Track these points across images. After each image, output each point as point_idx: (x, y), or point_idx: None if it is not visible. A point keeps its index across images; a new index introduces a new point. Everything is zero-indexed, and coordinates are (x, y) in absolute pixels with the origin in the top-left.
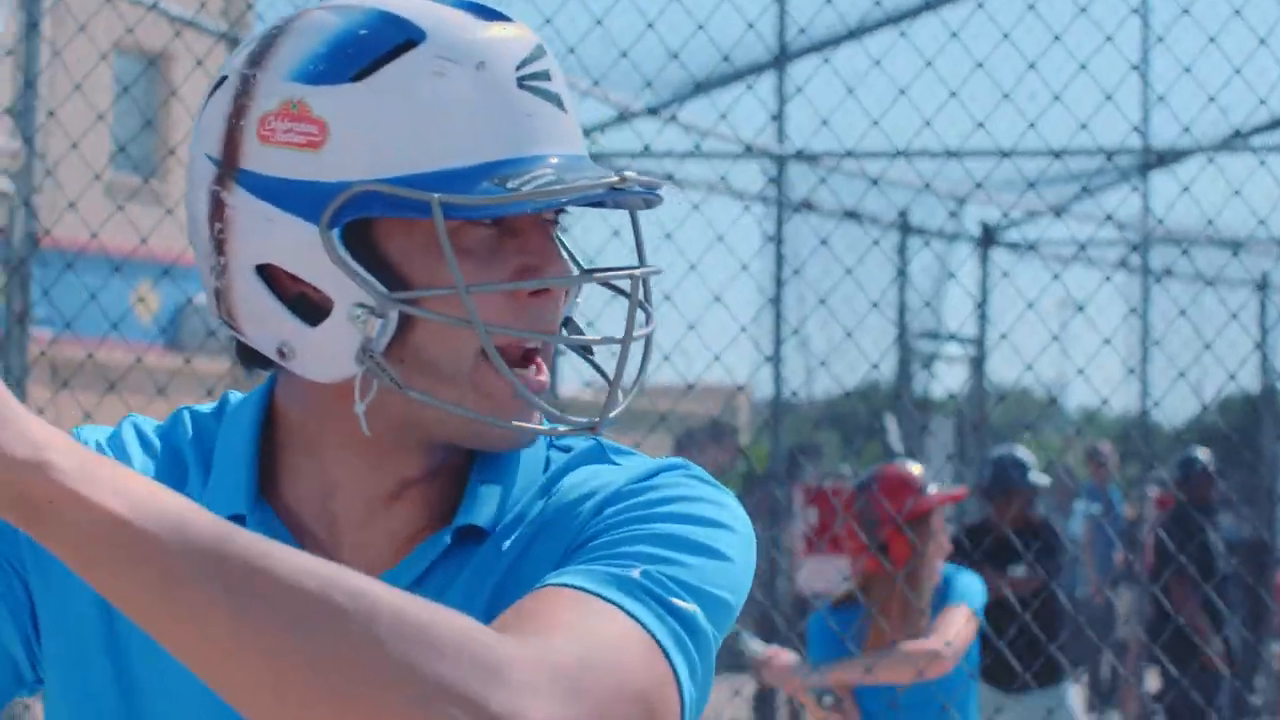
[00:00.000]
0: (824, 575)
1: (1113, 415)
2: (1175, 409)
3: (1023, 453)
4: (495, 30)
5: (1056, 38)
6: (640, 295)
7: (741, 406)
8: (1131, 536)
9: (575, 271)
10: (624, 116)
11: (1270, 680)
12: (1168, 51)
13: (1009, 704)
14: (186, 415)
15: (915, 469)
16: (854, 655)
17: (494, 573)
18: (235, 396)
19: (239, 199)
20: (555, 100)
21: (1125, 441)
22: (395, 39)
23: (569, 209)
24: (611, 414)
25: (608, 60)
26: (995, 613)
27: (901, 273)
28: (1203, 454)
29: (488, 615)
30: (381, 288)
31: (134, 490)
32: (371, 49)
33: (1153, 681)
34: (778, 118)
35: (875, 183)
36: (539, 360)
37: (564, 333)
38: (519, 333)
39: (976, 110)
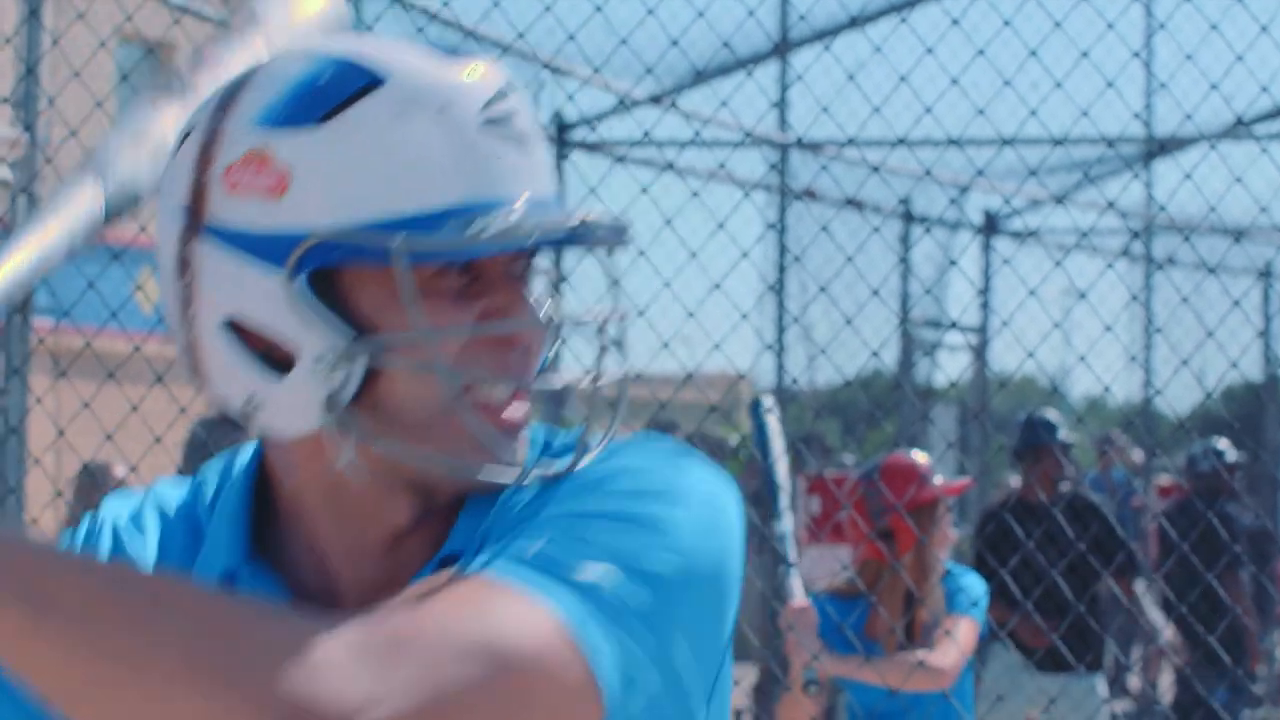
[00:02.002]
0: (826, 564)
1: (1115, 403)
2: (1178, 397)
3: (1052, 414)
4: (459, 72)
5: (1058, 25)
6: (609, 338)
7: (743, 395)
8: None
9: (550, 316)
10: (624, 104)
11: (1273, 668)
12: (1170, 39)
13: (1057, 687)
14: (212, 475)
15: (921, 458)
16: (855, 646)
17: None
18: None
19: (205, 252)
20: (521, 141)
21: (1128, 430)
22: (357, 83)
23: (544, 250)
24: (584, 460)
25: (608, 47)
26: (1043, 601)
27: (903, 261)
28: (1222, 444)
29: None
30: (345, 332)
31: None
32: (334, 94)
33: (1166, 672)
34: (779, 105)
35: (876, 170)
36: (518, 396)
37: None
38: (481, 377)
39: (978, 98)
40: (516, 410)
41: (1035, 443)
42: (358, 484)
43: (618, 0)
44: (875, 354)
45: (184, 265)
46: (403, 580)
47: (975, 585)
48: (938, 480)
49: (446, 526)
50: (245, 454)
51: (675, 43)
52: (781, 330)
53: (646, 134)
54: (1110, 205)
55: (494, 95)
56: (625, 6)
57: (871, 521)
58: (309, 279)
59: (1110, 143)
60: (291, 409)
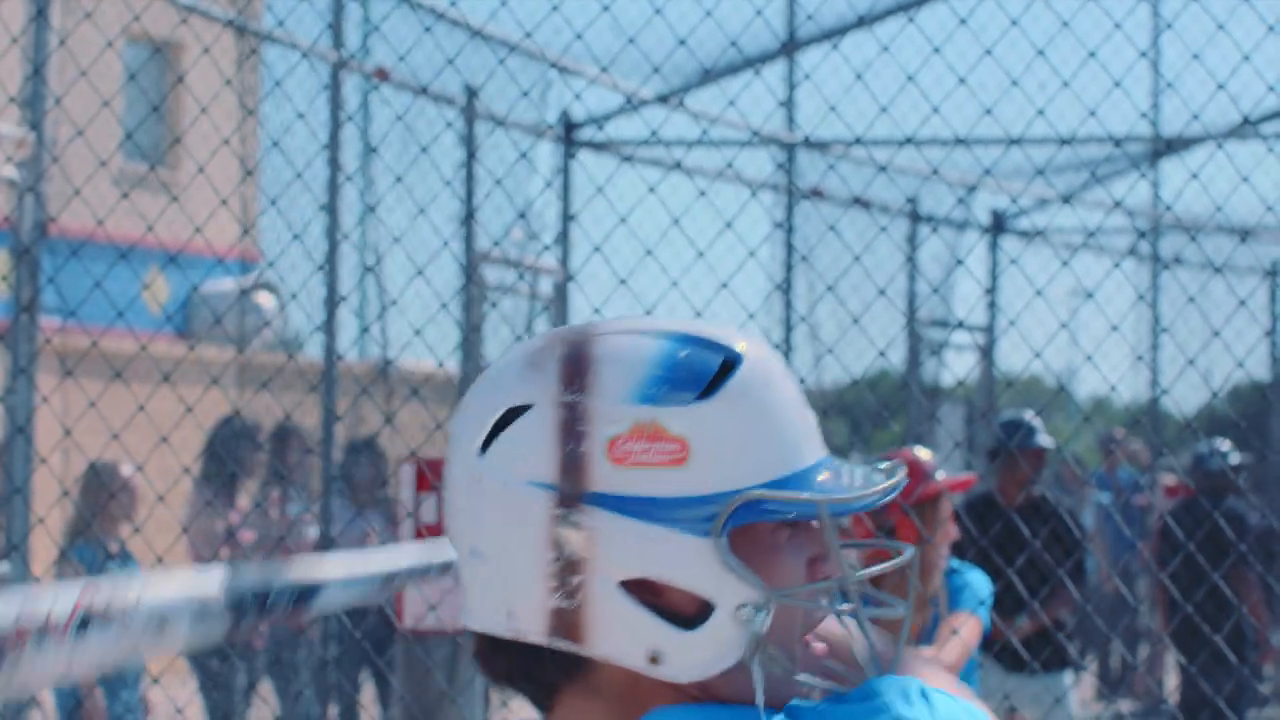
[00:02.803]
0: None
1: (1122, 403)
2: (1185, 396)
3: (1030, 416)
4: (758, 340)
5: (1065, 24)
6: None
7: None
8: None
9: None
10: (632, 103)
11: (1279, 667)
12: (1177, 39)
13: (1015, 685)
14: None
15: (925, 454)
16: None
17: None
18: None
19: (598, 520)
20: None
21: (1134, 429)
22: (718, 357)
23: None
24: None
25: (616, 47)
26: (1005, 598)
27: (910, 260)
28: (1225, 444)
29: None
30: (758, 584)
31: None
32: (704, 368)
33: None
34: (786, 104)
35: (883, 170)
36: None
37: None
38: (889, 613)
39: (985, 97)
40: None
41: (1011, 445)
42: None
43: (625, 0)
44: (882, 353)
45: (562, 536)
46: None
47: (980, 582)
48: (941, 476)
49: None
50: None
51: (683, 42)
52: (789, 329)
53: (654, 133)
54: (1117, 205)
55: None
56: (633, 6)
57: (875, 518)
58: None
59: (1117, 142)
60: (704, 655)
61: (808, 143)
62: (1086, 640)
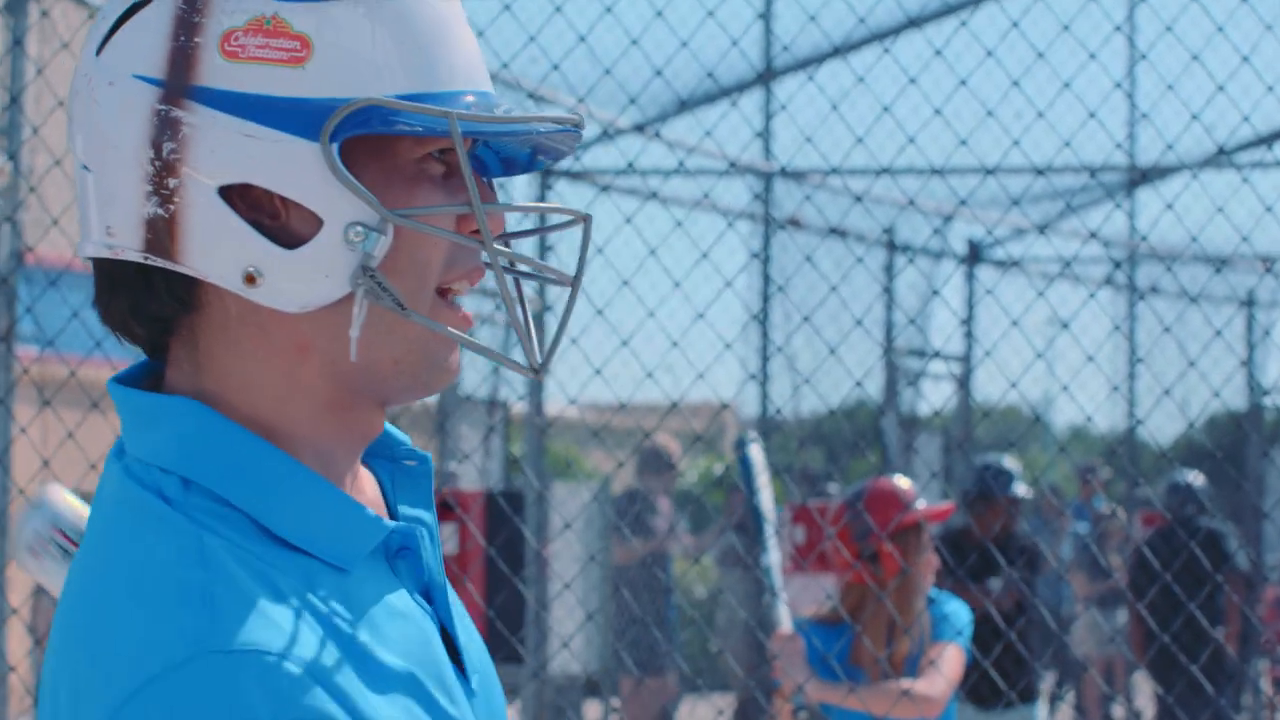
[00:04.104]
0: (811, 593)
1: (1099, 433)
2: (1161, 427)
3: (1008, 463)
4: None
5: (1040, 55)
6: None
7: (728, 424)
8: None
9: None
10: (609, 133)
11: (1257, 697)
12: (1152, 69)
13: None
14: (205, 547)
15: (905, 483)
16: (839, 674)
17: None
18: (158, 508)
19: (202, 117)
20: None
21: (1111, 458)
22: None
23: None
24: (549, 361)
25: (593, 77)
26: (976, 629)
27: (887, 290)
28: (1195, 477)
29: None
30: (376, 203)
31: None
32: None
33: (1143, 699)
34: (763, 134)
35: (860, 200)
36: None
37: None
38: (517, 255)
39: (961, 128)
40: (468, 313)
41: (987, 492)
42: (332, 387)
43: (602, 30)
44: (859, 383)
45: (167, 131)
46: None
47: (960, 612)
48: (921, 505)
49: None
50: (219, 447)
51: (659, 73)
52: (765, 359)
53: (630, 163)
54: (1093, 235)
55: None
56: (610, 36)
57: (856, 547)
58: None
59: (1093, 172)
60: (307, 279)
61: (784, 172)
62: (1064, 671)
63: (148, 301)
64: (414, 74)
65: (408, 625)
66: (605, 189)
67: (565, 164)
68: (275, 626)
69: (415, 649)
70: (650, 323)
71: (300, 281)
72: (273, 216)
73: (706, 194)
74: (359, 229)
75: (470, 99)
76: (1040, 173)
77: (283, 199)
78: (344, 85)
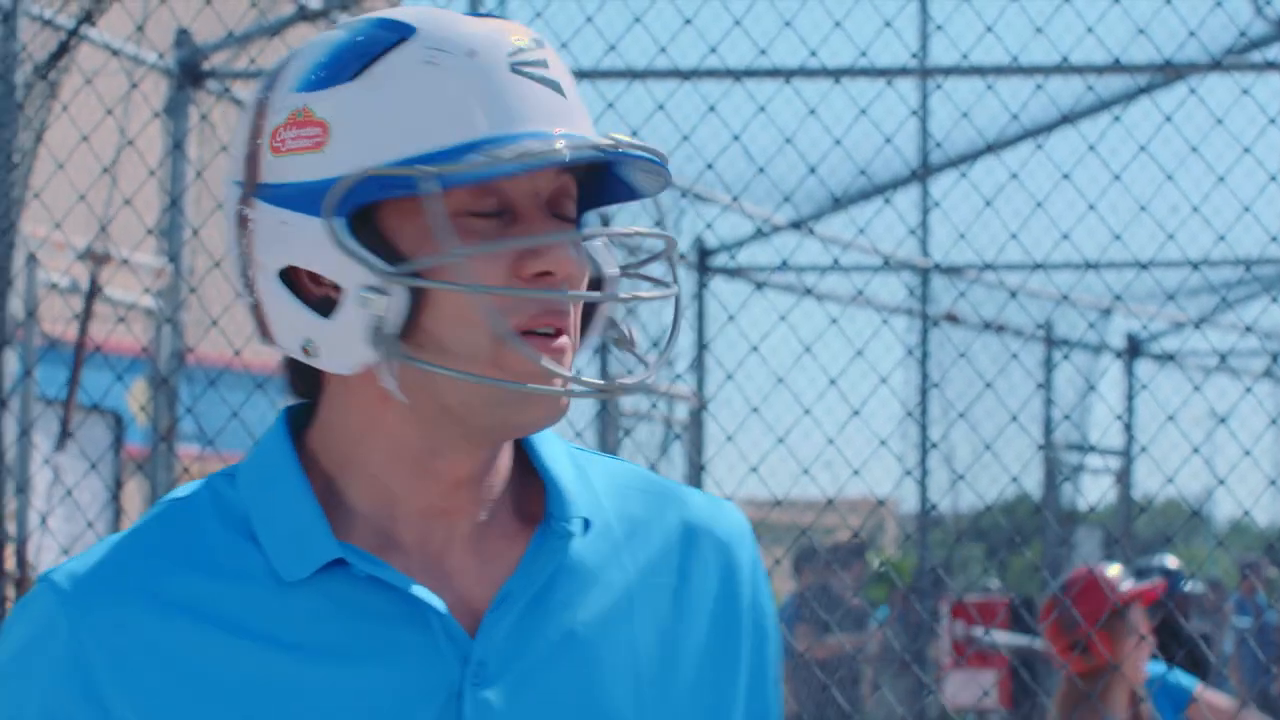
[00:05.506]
0: (969, 689)
1: (1259, 527)
2: None
3: (1173, 562)
4: (487, 24)
5: (1194, 149)
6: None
7: (886, 520)
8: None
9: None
10: (763, 230)
11: None
12: None
13: None
14: (215, 493)
15: (1112, 570)
16: None
17: (602, 566)
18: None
19: (258, 212)
20: (553, 86)
21: (1270, 553)
22: (389, 39)
23: (608, 216)
24: (649, 378)
25: (747, 175)
26: None
27: (1044, 385)
28: None
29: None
30: (380, 263)
31: None
32: (366, 50)
33: None
34: (918, 231)
35: (1015, 295)
36: (563, 329)
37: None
38: (515, 291)
39: (1115, 222)
40: (563, 344)
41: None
42: (416, 432)
43: (756, 128)
44: (1015, 479)
45: (241, 228)
46: (470, 532)
47: (1185, 682)
48: (1126, 586)
49: (506, 481)
50: (267, 457)
51: (813, 170)
52: (923, 455)
53: (785, 260)
54: (1248, 329)
55: (524, 45)
56: (764, 134)
57: (1066, 639)
58: (351, 221)
59: (1248, 265)
60: (342, 346)
61: (939, 268)
62: None
63: (299, 378)
64: (412, 137)
65: (301, 656)
66: (760, 286)
67: (721, 260)
68: (101, 569)
69: (276, 680)
70: (807, 420)
71: (340, 346)
72: (315, 292)
73: (861, 290)
74: (369, 291)
75: (476, 153)
76: (1196, 266)
77: (313, 274)
78: (354, 161)
